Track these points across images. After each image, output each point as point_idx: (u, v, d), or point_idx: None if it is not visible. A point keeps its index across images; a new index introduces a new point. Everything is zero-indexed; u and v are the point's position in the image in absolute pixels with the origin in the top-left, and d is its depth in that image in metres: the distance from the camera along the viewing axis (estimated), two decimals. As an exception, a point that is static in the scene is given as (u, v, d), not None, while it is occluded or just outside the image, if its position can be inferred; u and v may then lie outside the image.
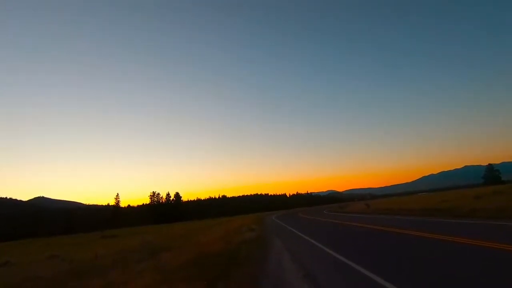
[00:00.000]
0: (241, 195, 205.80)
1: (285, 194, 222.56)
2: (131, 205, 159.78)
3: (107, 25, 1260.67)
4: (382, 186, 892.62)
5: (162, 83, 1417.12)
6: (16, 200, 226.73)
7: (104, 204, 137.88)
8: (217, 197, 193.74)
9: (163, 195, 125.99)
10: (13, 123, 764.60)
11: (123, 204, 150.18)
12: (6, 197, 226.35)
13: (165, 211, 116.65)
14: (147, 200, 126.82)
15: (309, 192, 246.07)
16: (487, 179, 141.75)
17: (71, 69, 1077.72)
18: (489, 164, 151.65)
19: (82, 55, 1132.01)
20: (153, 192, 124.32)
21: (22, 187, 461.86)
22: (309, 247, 10.00)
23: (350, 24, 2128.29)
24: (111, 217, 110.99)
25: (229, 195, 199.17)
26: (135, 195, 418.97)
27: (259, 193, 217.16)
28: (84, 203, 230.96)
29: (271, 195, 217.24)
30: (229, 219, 64.22)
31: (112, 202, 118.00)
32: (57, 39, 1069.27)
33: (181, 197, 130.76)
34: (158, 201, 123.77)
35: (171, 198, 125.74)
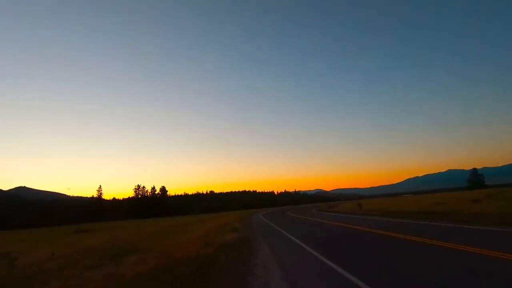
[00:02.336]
0: (229, 191, 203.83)
1: (273, 191, 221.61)
2: (116, 198, 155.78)
3: (99, 21, 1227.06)
4: (368, 187, 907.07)
5: (151, 78, 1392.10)
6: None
7: (88, 196, 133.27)
8: (204, 193, 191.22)
9: (148, 188, 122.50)
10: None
11: (108, 197, 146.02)
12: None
13: (150, 205, 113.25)
14: (132, 194, 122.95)
15: (297, 190, 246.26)
16: (471, 183, 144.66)
17: (57, 62, 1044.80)
18: (473, 168, 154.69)
19: (70, 48, 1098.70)
20: (137, 185, 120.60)
21: (3, 176, 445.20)
22: (306, 257, 7.74)
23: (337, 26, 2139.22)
24: (93, 210, 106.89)
25: (217, 191, 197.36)
26: (121, 188, 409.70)
27: (247, 190, 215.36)
28: (68, 194, 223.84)
29: (259, 192, 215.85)
30: (214, 215, 62.07)
31: (96, 194, 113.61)
32: (42, 32, 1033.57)
33: (167, 191, 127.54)
34: (142, 195, 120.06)
35: (156, 192, 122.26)
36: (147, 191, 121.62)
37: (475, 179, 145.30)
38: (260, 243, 11.59)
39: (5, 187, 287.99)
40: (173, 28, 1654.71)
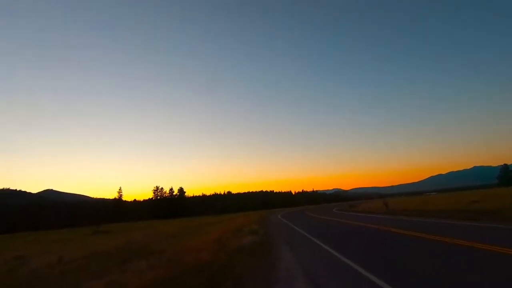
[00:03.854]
0: (246, 191, 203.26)
1: (290, 191, 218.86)
2: (137, 199, 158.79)
3: (113, 24, 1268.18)
4: (388, 185, 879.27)
5: (169, 79, 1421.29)
6: (25, 192, 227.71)
7: (111, 198, 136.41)
8: (222, 193, 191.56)
9: (167, 190, 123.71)
10: (27, 117, 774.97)
11: (130, 198, 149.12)
12: (16, 189, 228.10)
13: (168, 206, 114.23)
14: (152, 195, 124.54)
15: (314, 190, 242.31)
16: (502, 179, 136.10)
17: (79, 65, 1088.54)
18: (504, 164, 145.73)
19: (88, 51, 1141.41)
20: (156, 186, 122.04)
21: (32, 180, 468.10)
22: (340, 269, 6.17)
23: (355, 23, 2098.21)
24: (114, 211, 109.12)
25: (234, 191, 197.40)
26: (143, 189, 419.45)
27: (264, 190, 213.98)
28: (92, 196, 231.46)
29: (276, 192, 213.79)
30: (232, 216, 61.25)
31: (117, 196, 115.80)
32: (64, 36, 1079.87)
33: (185, 192, 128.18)
34: (161, 196, 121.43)
35: (174, 193, 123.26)
36: (165, 192, 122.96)
37: (506, 175, 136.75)
38: (281, 248, 10.02)
39: (34, 190, 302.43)
40: (190, 30, 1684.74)
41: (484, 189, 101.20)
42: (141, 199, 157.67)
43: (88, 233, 36.26)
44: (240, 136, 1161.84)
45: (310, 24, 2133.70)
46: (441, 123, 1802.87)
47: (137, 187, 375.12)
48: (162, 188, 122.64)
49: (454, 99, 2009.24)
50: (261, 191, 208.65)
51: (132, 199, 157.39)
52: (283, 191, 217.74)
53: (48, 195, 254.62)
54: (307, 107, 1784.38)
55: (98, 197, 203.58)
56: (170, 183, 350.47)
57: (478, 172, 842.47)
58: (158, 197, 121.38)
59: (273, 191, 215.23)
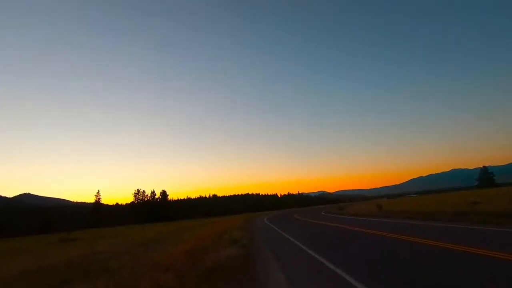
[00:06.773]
0: (232, 194, 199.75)
1: (276, 194, 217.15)
2: (119, 203, 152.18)
3: (103, 23, 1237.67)
4: (372, 188, 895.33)
5: (152, 82, 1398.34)
6: (0, 196, 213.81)
7: (91, 202, 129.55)
8: (207, 197, 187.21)
9: (148, 193, 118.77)
10: (3, 119, 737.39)
11: (111, 202, 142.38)
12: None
13: (150, 210, 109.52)
14: (133, 198, 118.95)
15: (300, 192, 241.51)
16: (481, 181, 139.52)
17: (58, 67, 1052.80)
18: (483, 166, 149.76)
19: (70, 52, 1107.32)
20: (137, 189, 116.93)
21: (8, 183, 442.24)
22: None
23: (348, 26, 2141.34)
24: (92, 215, 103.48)
25: (220, 194, 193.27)
26: (125, 193, 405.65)
27: (250, 193, 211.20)
28: (72, 200, 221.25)
29: (262, 195, 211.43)
30: (216, 220, 58.42)
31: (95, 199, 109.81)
32: (44, 35, 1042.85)
33: (167, 195, 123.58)
34: (142, 199, 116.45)
35: (156, 196, 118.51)
36: (147, 195, 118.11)
37: (485, 177, 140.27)
38: (271, 270, 7.10)
39: (10, 194, 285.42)
40: (172, 31, 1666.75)
41: (467, 191, 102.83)
42: (124, 203, 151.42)
43: (54, 240, 32.58)
44: (225, 138, 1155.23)
45: (300, 24, 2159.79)
46: (422, 127, 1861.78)
47: (120, 190, 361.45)
48: (144, 191, 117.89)
49: (433, 104, 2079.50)
50: (247, 194, 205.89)
51: (114, 203, 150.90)
52: (269, 194, 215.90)
53: (26, 199, 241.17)
54: (292, 111, 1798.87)
55: (79, 201, 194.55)
56: (154, 186, 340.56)
57: (456, 174, 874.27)
58: (140, 201, 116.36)
59: (259, 194, 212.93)
